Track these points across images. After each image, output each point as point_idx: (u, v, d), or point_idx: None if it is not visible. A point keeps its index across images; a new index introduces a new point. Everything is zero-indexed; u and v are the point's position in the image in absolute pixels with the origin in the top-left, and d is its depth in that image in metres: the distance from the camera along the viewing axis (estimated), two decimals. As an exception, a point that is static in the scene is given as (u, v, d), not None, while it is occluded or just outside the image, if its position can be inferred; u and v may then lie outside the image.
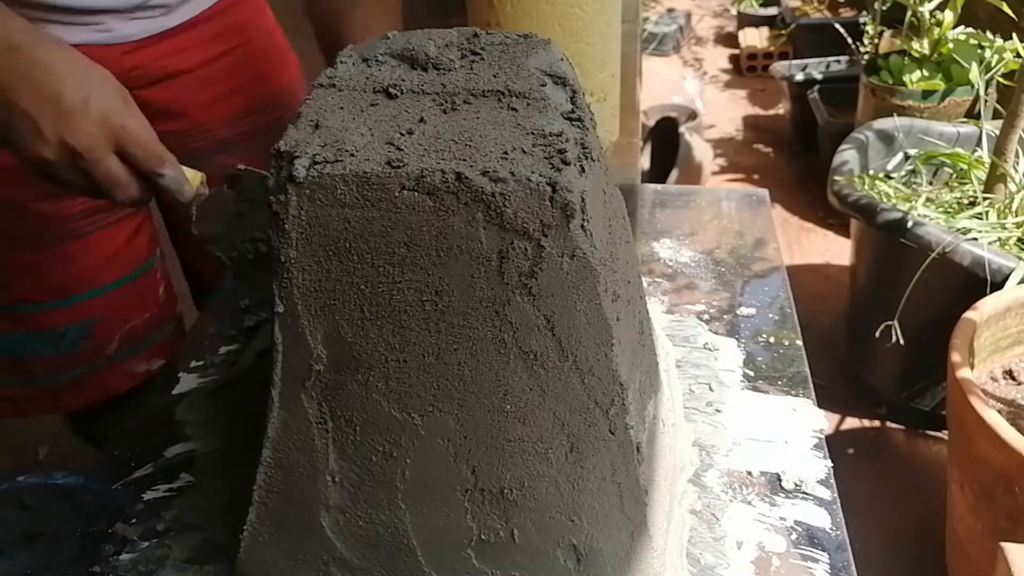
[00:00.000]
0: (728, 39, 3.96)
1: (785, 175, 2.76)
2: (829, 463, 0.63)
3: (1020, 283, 1.33)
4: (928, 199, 1.62)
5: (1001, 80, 1.94)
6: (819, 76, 2.73)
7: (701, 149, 2.57)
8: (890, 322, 1.42)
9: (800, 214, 2.50)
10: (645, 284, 0.81)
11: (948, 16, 2.05)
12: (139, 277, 0.91)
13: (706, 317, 0.79)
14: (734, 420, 0.67)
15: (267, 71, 0.94)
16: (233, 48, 0.90)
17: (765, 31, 3.58)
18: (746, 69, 3.55)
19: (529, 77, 0.51)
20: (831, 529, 0.57)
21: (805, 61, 2.83)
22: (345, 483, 0.50)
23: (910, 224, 1.47)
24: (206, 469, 0.65)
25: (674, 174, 2.45)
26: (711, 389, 0.70)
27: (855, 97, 2.35)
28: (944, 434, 1.66)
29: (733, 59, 3.74)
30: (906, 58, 2.18)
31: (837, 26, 2.68)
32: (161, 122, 0.82)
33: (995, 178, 1.57)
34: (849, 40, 2.59)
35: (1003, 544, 0.79)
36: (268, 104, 0.94)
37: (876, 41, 2.53)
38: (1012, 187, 1.55)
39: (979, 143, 1.78)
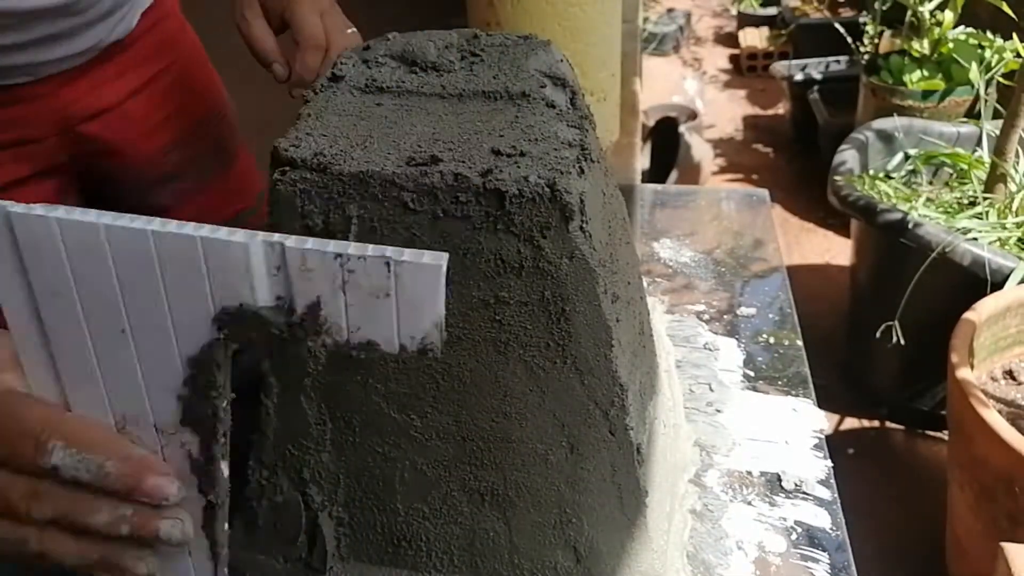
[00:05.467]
0: (728, 39, 3.96)
1: (785, 175, 2.76)
2: (829, 463, 0.63)
3: (1020, 283, 1.33)
4: (928, 199, 1.62)
5: (1001, 80, 1.94)
6: (819, 76, 2.73)
7: (701, 149, 2.57)
8: (891, 323, 1.42)
9: (800, 214, 2.50)
10: (645, 284, 0.81)
11: (948, 16, 2.05)
12: None
13: (706, 317, 0.79)
14: (734, 420, 0.67)
15: (199, 88, 0.88)
16: (167, 67, 0.83)
17: (765, 31, 3.58)
18: (746, 69, 3.55)
19: (529, 78, 0.51)
20: (831, 529, 0.57)
21: (805, 61, 2.83)
22: (344, 485, 0.50)
23: (910, 224, 1.47)
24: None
25: (674, 174, 2.46)
26: (711, 389, 0.70)
27: (855, 97, 2.35)
28: (944, 434, 1.66)
29: (733, 59, 3.74)
30: (906, 58, 2.18)
31: (837, 26, 2.68)
32: (106, 159, 0.79)
33: (995, 178, 1.57)
34: (849, 40, 2.59)
35: (1003, 544, 0.79)
36: (207, 120, 0.88)
37: (876, 41, 2.53)
38: (1012, 187, 1.55)
39: (979, 143, 1.78)
